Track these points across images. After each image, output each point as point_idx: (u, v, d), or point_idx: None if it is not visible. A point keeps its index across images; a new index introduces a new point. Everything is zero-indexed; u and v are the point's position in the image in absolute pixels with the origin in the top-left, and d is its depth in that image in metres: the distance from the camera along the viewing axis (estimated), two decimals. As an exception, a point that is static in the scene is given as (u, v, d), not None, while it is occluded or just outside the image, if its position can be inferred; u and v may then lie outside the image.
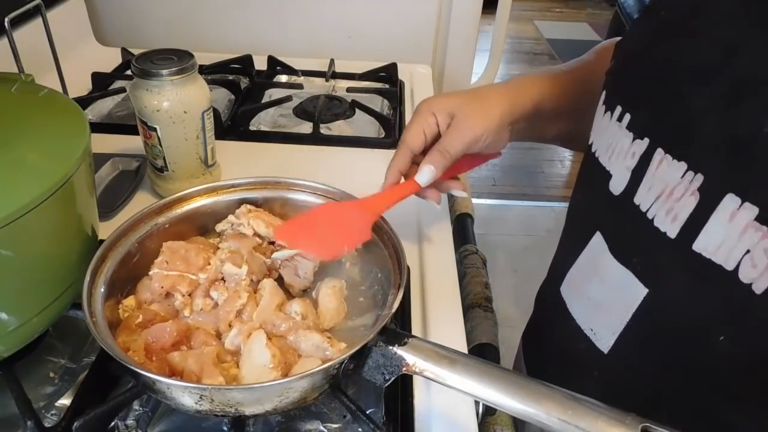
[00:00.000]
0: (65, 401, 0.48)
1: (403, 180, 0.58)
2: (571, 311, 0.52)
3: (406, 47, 1.20)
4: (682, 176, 0.39)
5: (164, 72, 0.62)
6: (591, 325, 0.49)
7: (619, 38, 0.58)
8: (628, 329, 0.45)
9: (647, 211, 0.42)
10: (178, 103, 0.64)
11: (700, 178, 0.38)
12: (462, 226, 0.79)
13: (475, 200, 0.87)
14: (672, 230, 0.40)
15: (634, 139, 0.43)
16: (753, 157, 0.35)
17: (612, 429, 0.35)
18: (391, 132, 0.87)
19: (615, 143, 0.46)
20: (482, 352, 0.59)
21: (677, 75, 0.42)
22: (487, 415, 0.53)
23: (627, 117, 0.44)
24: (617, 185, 0.45)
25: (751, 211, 0.34)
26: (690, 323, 0.41)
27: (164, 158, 0.67)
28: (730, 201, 0.35)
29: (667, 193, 0.40)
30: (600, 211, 0.48)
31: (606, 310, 0.48)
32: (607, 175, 0.46)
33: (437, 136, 0.57)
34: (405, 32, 1.20)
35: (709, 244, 0.37)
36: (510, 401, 0.38)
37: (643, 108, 0.44)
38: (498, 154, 0.62)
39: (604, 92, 0.49)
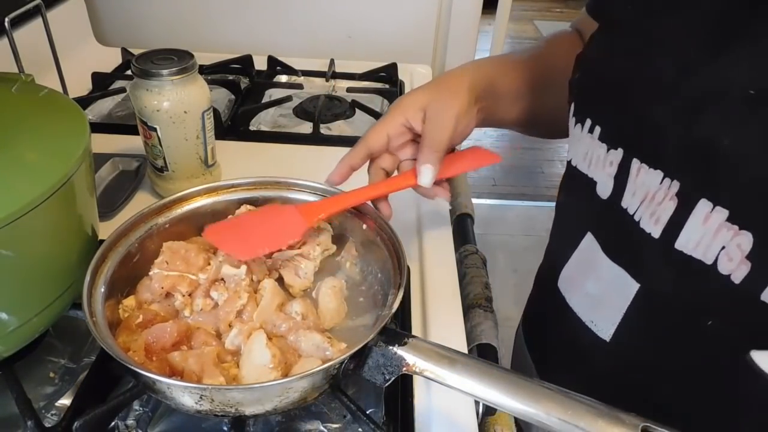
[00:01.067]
0: (65, 401, 0.48)
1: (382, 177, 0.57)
2: (570, 305, 0.54)
3: (406, 47, 1.20)
4: (661, 182, 0.42)
5: (164, 72, 0.62)
6: (591, 318, 0.52)
7: (562, 31, 0.65)
8: (626, 320, 0.48)
9: (634, 213, 0.45)
10: (178, 103, 0.64)
11: (677, 185, 0.41)
12: (462, 226, 0.79)
13: (475, 200, 0.87)
14: (655, 231, 0.43)
15: (608, 149, 0.46)
16: (717, 167, 0.39)
17: (612, 429, 0.35)
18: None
19: (590, 153, 0.49)
20: (482, 352, 0.59)
21: (637, 91, 0.45)
22: (487, 415, 0.53)
23: (597, 129, 0.48)
24: (603, 191, 0.48)
25: (722, 213, 0.38)
26: (681, 311, 0.44)
27: (164, 158, 0.67)
28: (704, 205, 0.39)
29: (650, 197, 0.43)
30: (590, 213, 0.51)
31: (604, 304, 0.50)
32: (592, 182, 0.49)
33: (403, 135, 0.57)
34: (405, 32, 1.20)
35: (689, 242, 0.41)
36: (510, 401, 0.38)
37: (611, 120, 0.47)
38: (498, 158, 0.62)
39: (572, 104, 0.52)
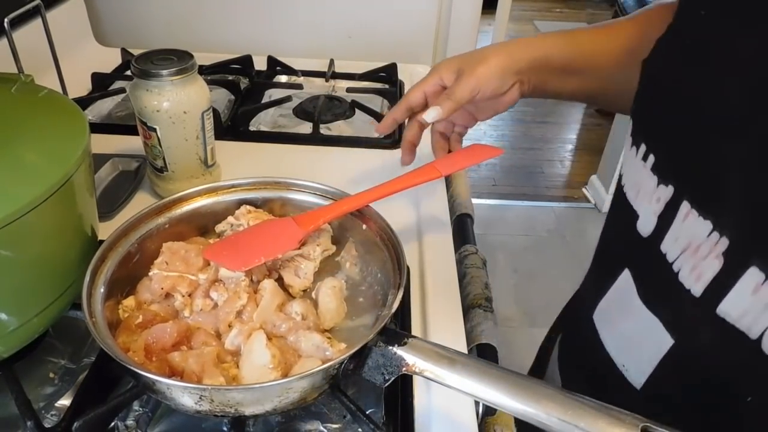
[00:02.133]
0: (65, 401, 0.48)
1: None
2: (603, 341, 0.51)
3: (406, 47, 1.20)
4: (708, 235, 0.37)
5: (164, 72, 0.62)
6: (623, 361, 0.48)
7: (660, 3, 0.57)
8: (658, 372, 0.44)
9: (673, 263, 0.40)
10: (178, 104, 0.64)
11: (725, 242, 0.36)
12: (462, 226, 0.79)
13: (475, 200, 0.87)
14: (696, 289, 0.38)
15: (658, 184, 0.41)
16: None
17: (612, 429, 0.35)
18: (391, 132, 0.87)
19: (640, 183, 0.44)
20: (482, 352, 0.59)
21: (704, 122, 0.38)
22: (487, 415, 0.53)
23: (651, 158, 0.42)
24: (645, 227, 0.43)
25: None
26: (718, 377, 0.40)
27: (164, 158, 0.67)
28: (755, 274, 0.34)
29: (693, 248, 0.38)
30: (629, 248, 0.47)
31: (636, 350, 0.46)
32: (635, 215, 0.45)
33: (438, 93, 0.62)
34: (405, 32, 1.20)
35: (733, 310, 0.36)
36: (510, 401, 0.38)
37: (668, 151, 0.41)
38: (499, 151, 0.62)
39: (631, 122, 0.47)
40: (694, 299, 0.39)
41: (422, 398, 0.49)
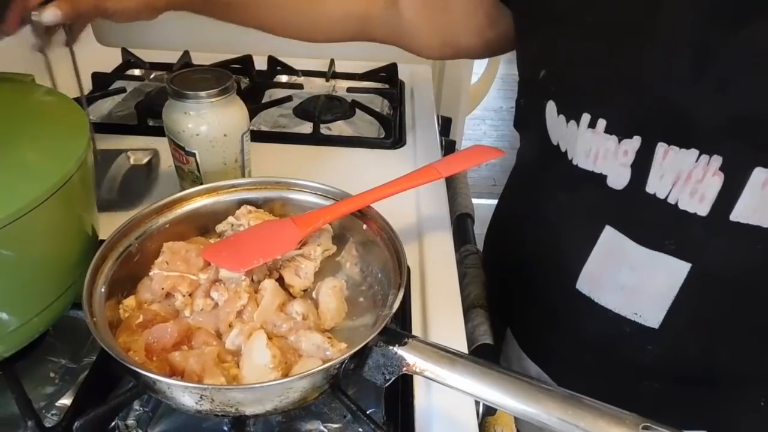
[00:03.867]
0: (66, 401, 0.48)
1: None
2: (602, 304, 0.52)
3: (406, 47, 1.20)
4: (696, 160, 0.41)
5: (203, 93, 0.58)
6: (634, 310, 0.50)
7: None
8: (678, 302, 0.47)
9: (667, 197, 0.44)
10: (218, 126, 0.60)
11: (718, 159, 0.40)
12: (462, 226, 0.79)
13: (475, 200, 0.87)
14: (702, 209, 0.42)
15: (620, 140, 0.45)
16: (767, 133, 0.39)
17: (612, 429, 0.35)
18: (391, 132, 0.87)
19: (595, 148, 0.47)
20: (483, 352, 0.59)
21: (651, 78, 0.43)
22: (487, 415, 0.53)
23: (602, 122, 0.46)
24: (617, 182, 0.46)
25: None
26: (741, 278, 0.45)
27: (201, 184, 0.62)
28: (760, 173, 0.39)
29: (684, 178, 0.42)
30: (604, 207, 0.49)
31: (647, 293, 0.49)
32: (599, 177, 0.47)
33: None
34: (405, 32, 1.19)
35: (746, 211, 0.41)
36: (510, 401, 0.38)
37: (620, 111, 0.45)
38: (501, 152, 0.62)
39: (552, 102, 0.50)
40: (702, 219, 0.43)
41: (422, 398, 0.49)
